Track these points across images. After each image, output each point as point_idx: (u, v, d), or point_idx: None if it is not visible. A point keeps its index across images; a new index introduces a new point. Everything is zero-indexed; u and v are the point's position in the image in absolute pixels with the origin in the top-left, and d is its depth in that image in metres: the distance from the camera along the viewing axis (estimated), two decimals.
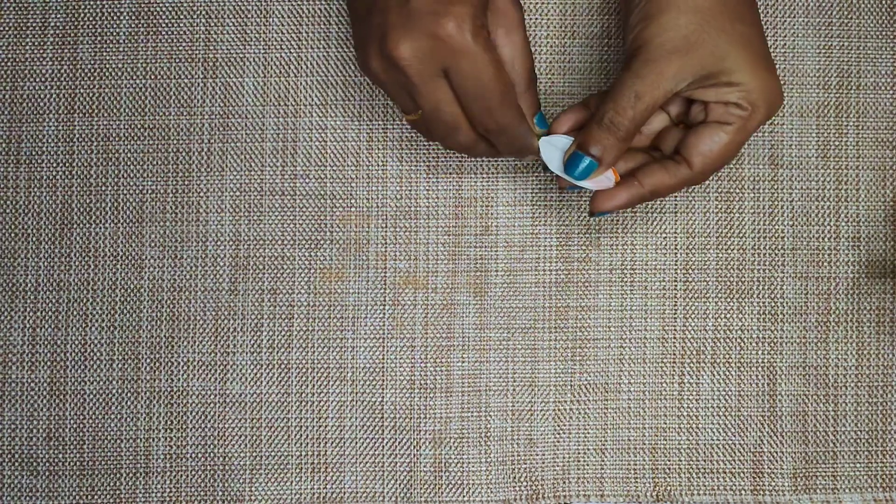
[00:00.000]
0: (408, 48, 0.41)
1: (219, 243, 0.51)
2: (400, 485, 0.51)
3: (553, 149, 0.45)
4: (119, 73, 0.51)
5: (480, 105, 0.43)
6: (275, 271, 0.51)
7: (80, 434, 0.51)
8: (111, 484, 0.51)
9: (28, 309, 0.51)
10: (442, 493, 0.51)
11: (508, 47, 0.44)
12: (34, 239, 0.51)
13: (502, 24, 0.44)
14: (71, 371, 0.51)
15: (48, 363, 0.51)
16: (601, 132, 0.43)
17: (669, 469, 0.51)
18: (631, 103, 0.42)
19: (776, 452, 0.51)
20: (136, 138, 0.51)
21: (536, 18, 0.52)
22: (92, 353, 0.51)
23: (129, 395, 0.51)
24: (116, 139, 0.51)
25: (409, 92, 0.43)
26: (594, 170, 0.44)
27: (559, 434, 0.51)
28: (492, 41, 0.43)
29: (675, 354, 0.52)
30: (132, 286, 0.51)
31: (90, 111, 0.51)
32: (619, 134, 0.43)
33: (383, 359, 0.51)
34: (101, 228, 0.51)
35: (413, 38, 0.41)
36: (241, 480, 0.51)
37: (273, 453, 0.51)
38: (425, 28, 0.41)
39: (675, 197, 0.52)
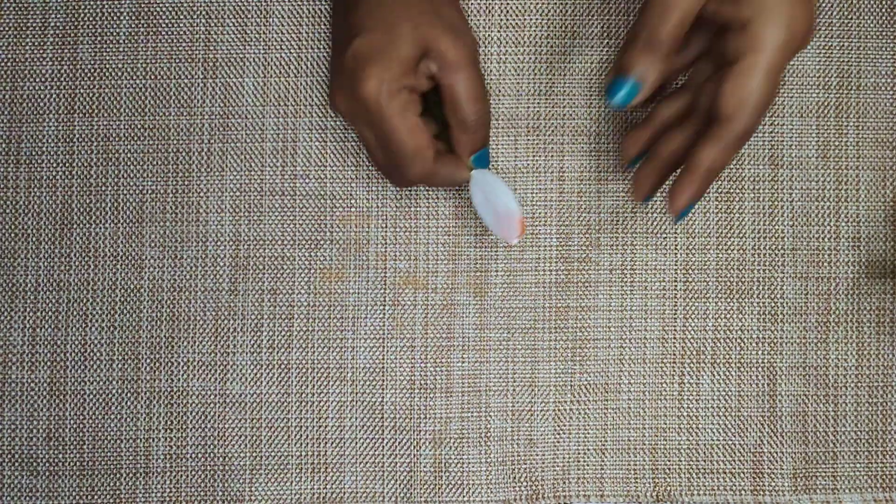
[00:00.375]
0: (342, 103, 0.45)
1: (219, 243, 0.51)
2: (400, 485, 0.51)
3: (478, 188, 0.46)
4: (119, 73, 0.51)
5: (390, 163, 0.45)
6: (275, 271, 0.51)
7: (80, 434, 0.51)
8: (111, 484, 0.51)
9: (28, 309, 0.51)
10: (442, 493, 0.51)
11: (458, 85, 0.44)
12: (34, 239, 0.51)
13: (443, 67, 0.44)
14: (71, 371, 0.51)
15: (48, 363, 0.51)
16: (639, 51, 0.41)
17: (669, 469, 0.51)
18: (664, 18, 0.40)
19: (776, 452, 0.51)
20: (136, 138, 0.51)
21: (536, 18, 0.52)
22: (92, 353, 0.51)
23: (129, 395, 0.51)
24: (116, 139, 0.51)
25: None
26: (638, 92, 0.41)
27: (559, 434, 0.51)
28: (409, 104, 0.44)
29: (675, 354, 0.52)
30: (132, 286, 0.51)
31: (90, 111, 0.51)
32: (660, 51, 0.41)
33: (383, 359, 0.51)
34: (101, 228, 0.51)
35: (344, 93, 0.45)
36: (241, 480, 0.51)
37: (273, 453, 0.51)
38: (349, 86, 0.44)
39: None
